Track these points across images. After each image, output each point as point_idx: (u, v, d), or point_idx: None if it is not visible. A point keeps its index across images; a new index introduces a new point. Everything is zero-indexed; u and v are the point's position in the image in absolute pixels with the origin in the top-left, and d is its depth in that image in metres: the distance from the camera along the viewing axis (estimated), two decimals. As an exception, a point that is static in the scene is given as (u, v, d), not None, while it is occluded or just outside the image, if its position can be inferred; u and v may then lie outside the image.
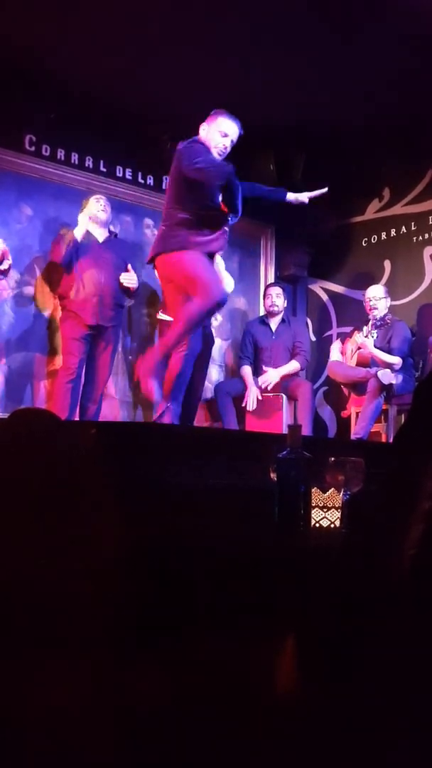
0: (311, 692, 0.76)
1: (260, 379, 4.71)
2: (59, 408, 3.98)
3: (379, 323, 4.41)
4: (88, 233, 4.26)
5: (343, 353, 4.69)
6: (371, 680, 0.76)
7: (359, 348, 4.52)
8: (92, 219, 4.28)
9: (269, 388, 4.68)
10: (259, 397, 4.70)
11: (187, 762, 0.61)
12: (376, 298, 4.58)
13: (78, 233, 4.21)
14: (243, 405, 4.70)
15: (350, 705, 0.75)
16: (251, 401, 4.68)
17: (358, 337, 4.50)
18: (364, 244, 5.48)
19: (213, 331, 4.66)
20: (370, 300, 4.60)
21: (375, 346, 4.42)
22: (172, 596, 0.75)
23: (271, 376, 4.70)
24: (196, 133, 3.43)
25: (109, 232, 4.41)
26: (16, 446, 1.15)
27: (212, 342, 4.61)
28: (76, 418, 4.07)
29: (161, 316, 4.55)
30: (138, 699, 0.63)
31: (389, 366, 4.34)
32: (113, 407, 4.72)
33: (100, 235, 4.34)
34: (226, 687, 0.66)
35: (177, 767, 0.60)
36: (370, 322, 4.46)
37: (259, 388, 4.73)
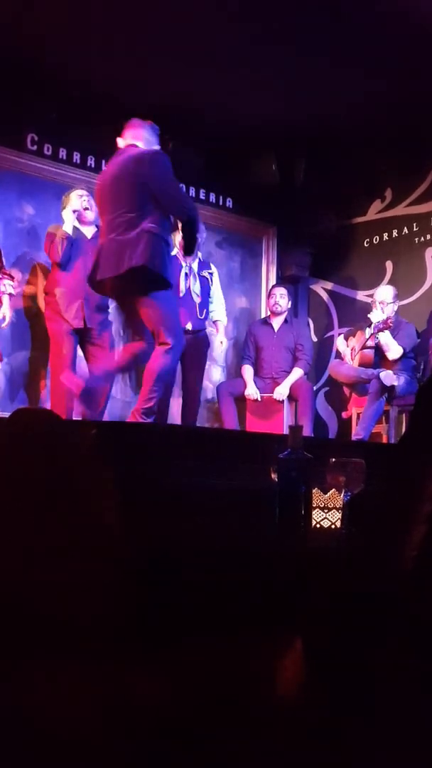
0: (312, 694, 0.76)
1: (274, 396, 4.68)
2: (59, 408, 3.95)
3: (381, 326, 4.40)
4: (75, 230, 4.14)
5: (345, 354, 4.68)
6: (372, 682, 0.76)
7: (364, 346, 4.50)
8: (78, 217, 4.16)
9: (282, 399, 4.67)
10: (257, 397, 4.70)
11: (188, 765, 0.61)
12: (385, 302, 4.55)
13: (68, 229, 4.10)
14: (249, 399, 4.69)
15: (350, 707, 0.74)
16: (250, 396, 4.69)
17: (374, 315, 4.47)
18: (365, 245, 5.47)
19: (214, 330, 4.65)
20: (378, 303, 4.57)
21: (380, 345, 4.42)
22: (171, 598, 0.74)
23: (281, 392, 4.67)
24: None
25: (97, 227, 4.19)
26: (15, 446, 1.14)
27: (207, 344, 4.58)
28: (78, 418, 4.06)
29: None
30: (138, 703, 0.63)
31: (395, 361, 4.36)
32: (114, 407, 4.72)
33: (88, 231, 4.21)
34: (227, 690, 0.66)
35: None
36: (376, 323, 4.43)
37: (260, 390, 4.74)
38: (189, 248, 3.55)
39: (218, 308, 4.56)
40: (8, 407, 4.16)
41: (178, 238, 4.04)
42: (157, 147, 3.38)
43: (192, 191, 5.26)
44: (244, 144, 4.99)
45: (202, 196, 5.31)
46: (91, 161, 4.79)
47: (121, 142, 3.38)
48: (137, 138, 3.34)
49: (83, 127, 4.64)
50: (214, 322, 4.57)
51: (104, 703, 0.62)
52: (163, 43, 4.03)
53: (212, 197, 5.37)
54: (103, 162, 4.79)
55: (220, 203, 5.42)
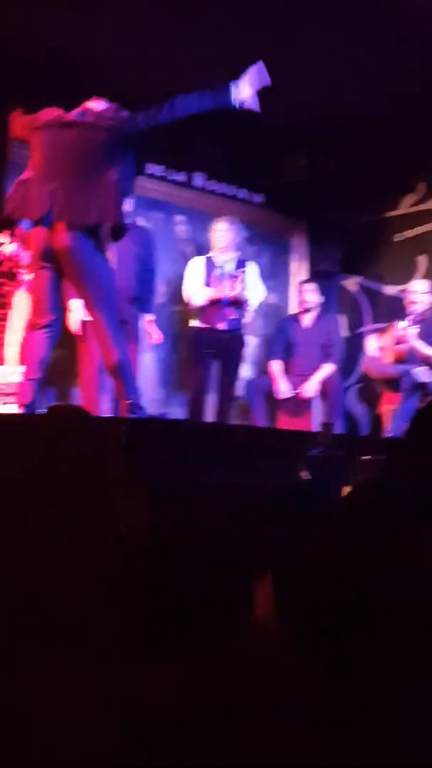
0: (324, 691, 0.74)
1: (303, 393, 4.62)
2: (90, 405, 3.96)
3: (419, 318, 4.34)
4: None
5: (376, 350, 4.62)
6: (386, 676, 0.73)
7: (398, 342, 4.44)
8: None
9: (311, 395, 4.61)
10: (287, 394, 4.66)
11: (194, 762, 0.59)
12: (420, 292, 4.50)
13: None
14: (279, 397, 4.65)
15: (359, 700, 0.72)
16: (279, 392, 4.64)
17: (401, 324, 4.41)
18: (398, 239, 5.40)
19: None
20: (413, 294, 4.52)
21: (411, 340, 4.36)
22: (194, 596, 0.73)
23: (311, 388, 4.60)
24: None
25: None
26: (50, 442, 1.15)
27: (243, 344, 4.56)
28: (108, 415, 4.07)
29: (195, 323, 4.49)
30: (146, 698, 0.62)
31: (428, 359, 4.27)
32: (143, 404, 4.73)
33: None
34: (237, 687, 0.64)
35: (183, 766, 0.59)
36: (411, 317, 4.38)
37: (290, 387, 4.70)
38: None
39: (253, 299, 4.51)
40: (40, 404, 4.18)
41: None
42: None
43: (221, 187, 5.24)
44: (273, 139, 4.95)
45: (231, 192, 5.29)
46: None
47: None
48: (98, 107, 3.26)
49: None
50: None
51: (113, 702, 0.61)
52: (193, 35, 4.02)
53: (242, 193, 5.34)
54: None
55: (250, 199, 5.39)
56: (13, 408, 3.89)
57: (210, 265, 4.45)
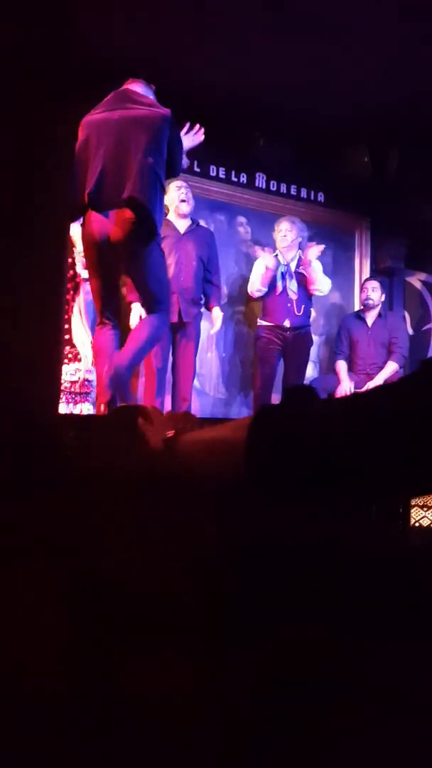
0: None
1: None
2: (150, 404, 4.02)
3: None
4: (167, 222, 4.01)
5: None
6: None
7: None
8: (175, 210, 4.14)
9: None
10: (351, 392, 4.64)
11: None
12: None
13: None
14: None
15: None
16: (346, 391, 4.66)
17: None
18: (464, 234, 5.27)
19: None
20: None
21: None
22: (266, 594, 0.75)
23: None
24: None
25: (192, 221, 4.24)
26: (113, 443, 1.19)
27: (310, 341, 4.62)
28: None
29: (261, 321, 4.56)
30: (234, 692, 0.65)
31: None
32: (205, 403, 4.78)
33: (182, 225, 4.17)
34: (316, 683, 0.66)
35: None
36: None
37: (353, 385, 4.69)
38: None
39: (323, 287, 4.61)
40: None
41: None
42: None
43: (283, 187, 5.24)
44: (334, 136, 4.92)
45: (293, 191, 5.28)
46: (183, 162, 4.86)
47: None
48: (139, 93, 3.27)
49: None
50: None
51: (204, 692, 0.64)
52: (254, 38, 4.03)
53: (303, 192, 5.33)
54: (195, 163, 4.86)
55: (312, 197, 5.37)
56: (88, 407, 3.98)
57: (275, 263, 4.55)
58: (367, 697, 0.63)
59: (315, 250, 4.60)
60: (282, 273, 4.51)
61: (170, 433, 0.88)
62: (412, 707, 0.64)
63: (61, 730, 0.61)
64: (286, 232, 4.53)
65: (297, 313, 4.48)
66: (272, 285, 4.50)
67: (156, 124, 3.10)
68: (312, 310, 4.67)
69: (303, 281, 4.54)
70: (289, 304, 4.47)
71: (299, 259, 4.56)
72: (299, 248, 4.59)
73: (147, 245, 3.11)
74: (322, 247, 4.64)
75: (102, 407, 3.14)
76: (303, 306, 4.51)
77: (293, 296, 4.48)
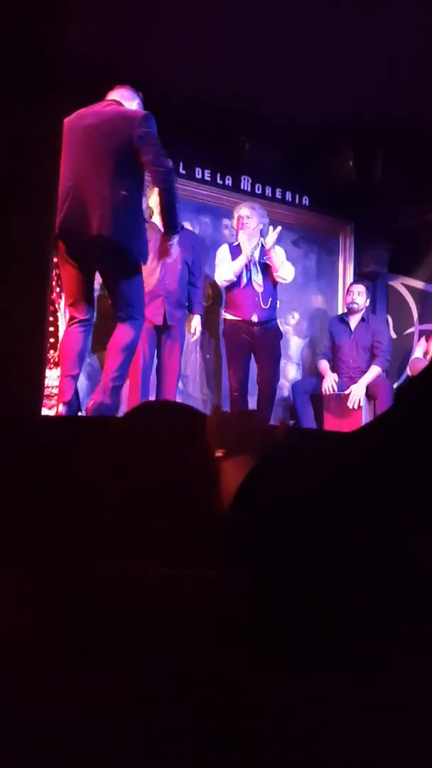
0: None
1: (349, 402, 4.55)
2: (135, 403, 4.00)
3: None
4: (152, 225, 3.91)
5: (427, 352, 4.58)
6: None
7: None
8: (159, 212, 4.14)
9: (357, 405, 4.56)
10: (335, 387, 4.65)
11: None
12: None
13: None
14: (327, 394, 4.65)
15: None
16: (328, 386, 4.64)
17: None
18: (447, 239, 5.32)
19: (290, 329, 4.65)
20: None
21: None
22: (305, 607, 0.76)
23: (357, 392, 4.56)
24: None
25: None
26: (147, 438, 1.18)
27: (279, 335, 4.49)
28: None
29: (226, 315, 4.47)
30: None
31: None
32: (192, 404, 4.78)
33: None
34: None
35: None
36: None
37: (337, 383, 4.70)
38: (170, 224, 3.23)
39: (286, 275, 4.41)
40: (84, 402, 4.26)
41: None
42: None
43: (268, 190, 5.26)
44: (320, 140, 4.95)
45: (278, 194, 5.30)
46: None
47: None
48: (124, 98, 3.20)
49: (160, 131, 4.69)
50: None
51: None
52: (242, 43, 4.05)
53: (288, 195, 5.36)
54: (181, 165, 4.87)
55: (297, 201, 5.40)
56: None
57: (236, 251, 4.36)
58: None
59: (273, 235, 4.26)
60: (245, 264, 4.30)
61: (219, 453, 0.90)
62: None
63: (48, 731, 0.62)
64: (246, 219, 4.32)
65: (264, 306, 4.30)
66: (237, 277, 4.30)
67: (129, 131, 2.98)
68: (278, 302, 4.47)
69: (268, 272, 4.35)
70: (255, 298, 4.29)
71: (262, 248, 4.34)
72: (261, 236, 4.34)
73: (129, 272, 3.12)
74: (279, 229, 4.28)
75: (61, 407, 3.10)
76: (270, 299, 4.33)
77: (259, 289, 4.30)
